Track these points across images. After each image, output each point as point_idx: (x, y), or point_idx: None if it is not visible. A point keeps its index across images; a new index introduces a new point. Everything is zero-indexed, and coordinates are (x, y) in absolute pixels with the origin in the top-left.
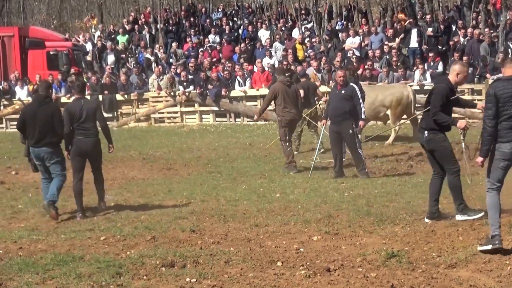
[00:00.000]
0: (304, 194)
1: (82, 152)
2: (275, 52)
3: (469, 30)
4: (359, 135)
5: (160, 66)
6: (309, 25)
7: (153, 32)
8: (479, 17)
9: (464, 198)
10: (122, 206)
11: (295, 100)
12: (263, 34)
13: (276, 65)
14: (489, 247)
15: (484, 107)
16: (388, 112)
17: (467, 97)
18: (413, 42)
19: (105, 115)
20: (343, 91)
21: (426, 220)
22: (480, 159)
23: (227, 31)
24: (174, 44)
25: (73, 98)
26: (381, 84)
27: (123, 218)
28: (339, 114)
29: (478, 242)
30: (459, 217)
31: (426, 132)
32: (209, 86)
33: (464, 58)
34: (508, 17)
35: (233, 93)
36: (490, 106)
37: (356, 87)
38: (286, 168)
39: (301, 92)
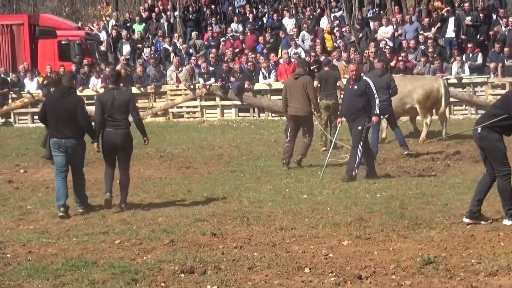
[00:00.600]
0: (333, 195)
1: (111, 145)
2: (303, 42)
3: (511, 19)
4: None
5: (178, 57)
6: (338, 14)
7: (171, 21)
8: None
9: None
10: (138, 207)
11: (301, 95)
12: (288, 23)
13: (303, 56)
14: None
15: None
16: (416, 106)
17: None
18: (450, 32)
19: None
20: (355, 87)
21: (465, 219)
22: None
23: (250, 20)
24: (193, 34)
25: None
26: (411, 76)
27: (139, 220)
28: (353, 112)
29: None
30: (506, 221)
31: (480, 128)
32: (231, 79)
33: (506, 49)
34: None
35: (257, 86)
36: None
37: (370, 81)
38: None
39: (315, 83)
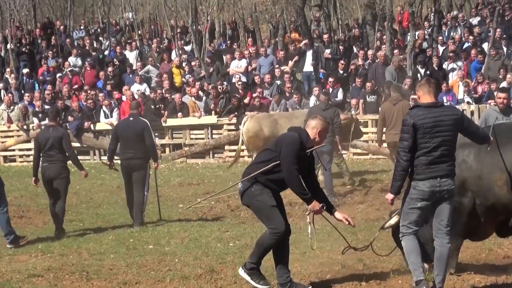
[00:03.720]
0: (182, 245)
1: (47, 178)
2: (148, 77)
3: (370, 52)
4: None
5: (10, 94)
6: (188, 47)
7: (2, 54)
8: (384, 36)
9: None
10: None
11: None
12: (132, 56)
13: (147, 93)
14: None
15: (400, 138)
16: None
17: (370, 129)
18: (308, 66)
19: None
20: None
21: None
22: (390, 196)
23: (90, 53)
24: (25, 71)
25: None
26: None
27: None
28: None
29: None
30: (241, 272)
31: (241, 183)
32: (69, 118)
33: (368, 84)
34: (416, 37)
35: (98, 126)
36: (407, 137)
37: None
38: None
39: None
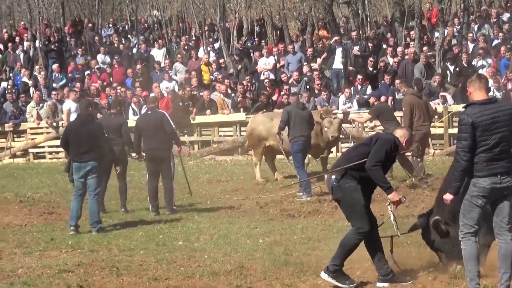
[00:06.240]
0: (211, 242)
1: (110, 159)
2: (176, 75)
3: (399, 49)
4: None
5: (39, 92)
6: (216, 45)
7: (30, 52)
8: (412, 33)
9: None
10: None
11: (427, 113)
12: (158, 54)
13: (176, 90)
14: None
15: (457, 138)
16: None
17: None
18: (338, 63)
19: None
20: None
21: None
22: (449, 196)
23: (119, 50)
24: (55, 66)
25: None
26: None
27: None
28: None
29: None
30: (325, 277)
31: (335, 175)
32: (98, 115)
33: (397, 81)
34: (446, 34)
35: None
36: (466, 137)
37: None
38: None
39: (366, 116)
